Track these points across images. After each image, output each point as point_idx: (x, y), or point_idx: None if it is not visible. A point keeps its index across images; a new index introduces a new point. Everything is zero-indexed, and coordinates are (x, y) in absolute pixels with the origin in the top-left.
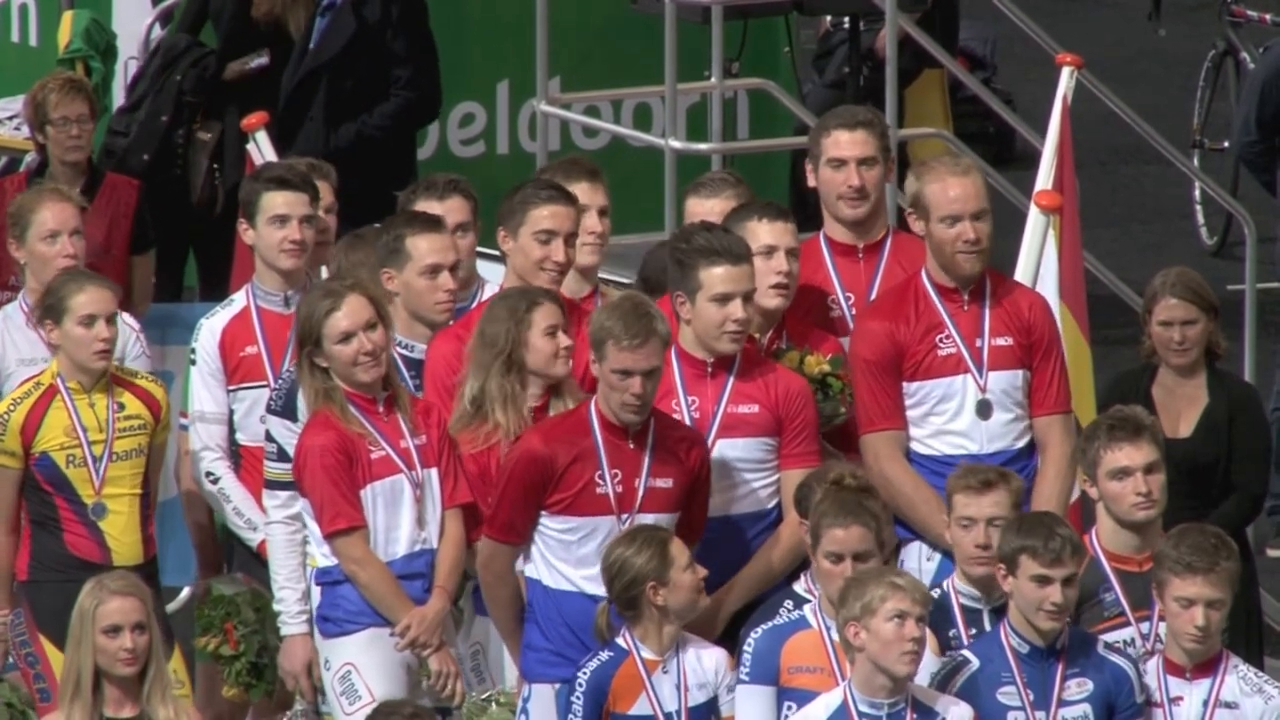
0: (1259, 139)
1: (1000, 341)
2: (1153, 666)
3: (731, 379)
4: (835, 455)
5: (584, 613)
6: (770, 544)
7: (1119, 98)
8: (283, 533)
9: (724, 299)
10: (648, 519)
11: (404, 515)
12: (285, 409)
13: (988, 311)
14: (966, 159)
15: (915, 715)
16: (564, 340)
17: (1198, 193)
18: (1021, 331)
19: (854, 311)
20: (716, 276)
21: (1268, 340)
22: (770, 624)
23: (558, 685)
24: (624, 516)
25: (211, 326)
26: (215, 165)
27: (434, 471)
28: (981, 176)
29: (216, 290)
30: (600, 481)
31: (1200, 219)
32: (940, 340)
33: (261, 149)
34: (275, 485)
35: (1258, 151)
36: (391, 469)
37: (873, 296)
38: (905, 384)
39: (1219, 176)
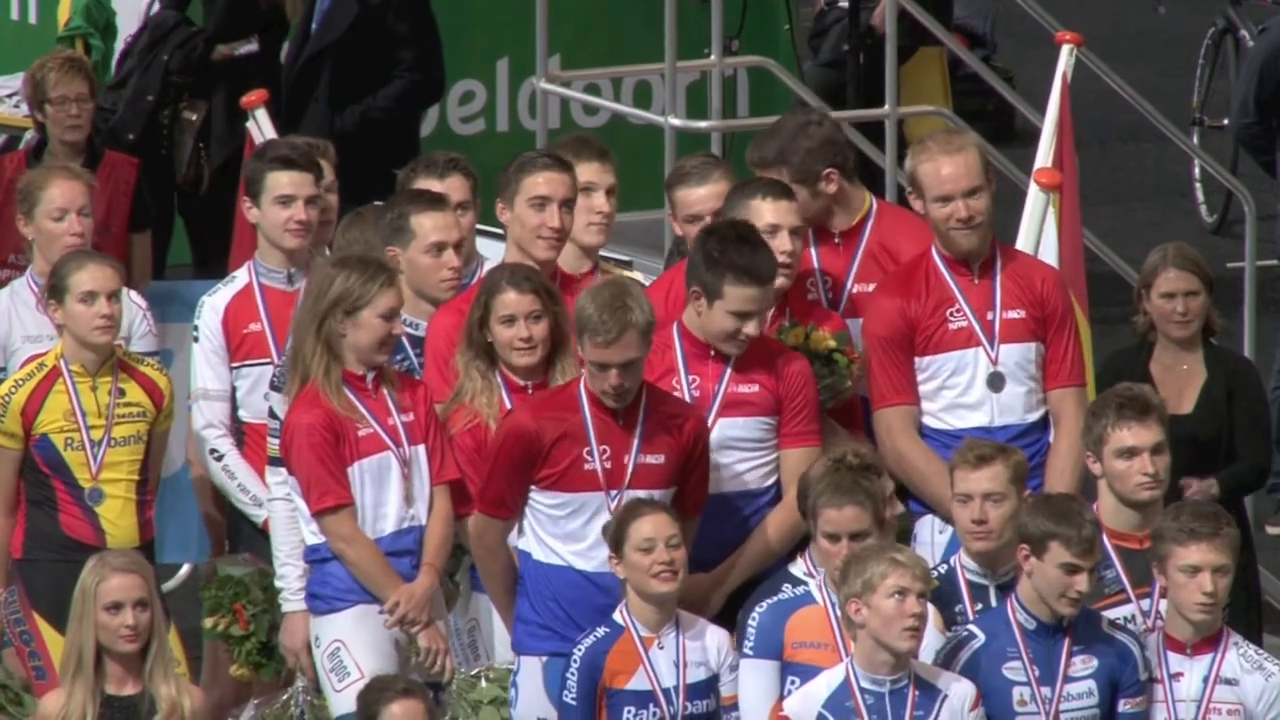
0: (1257, 119)
1: (1012, 314)
2: (1153, 642)
3: (733, 359)
4: (834, 431)
5: (573, 587)
6: (768, 522)
7: (1119, 75)
8: (284, 509)
9: (742, 316)
10: (639, 495)
11: (391, 492)
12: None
13: (999, 284)
14: (961, 136)
15: (918, 692)
16: (522, 330)
17: (1197, 170)
18: (1034, 305)
19: (830, 296)
20: (741, 296)
21: (1268, 318)
22: (774, 599)
23: (546, 658)
24: (613, 492)
25: (214, 304)
26: (201, 145)
27: (421, 449)
28: (977, 151)
29: (211, 268)
30: (588, 458)
31: (1200, 197)
32: (951, 314)
33: (261, 127)
34: (278, 462)
35: (1256, 132)
36: (379, 446)
37: (850, 279)
38: (917, 358)
39: (1219, 154)
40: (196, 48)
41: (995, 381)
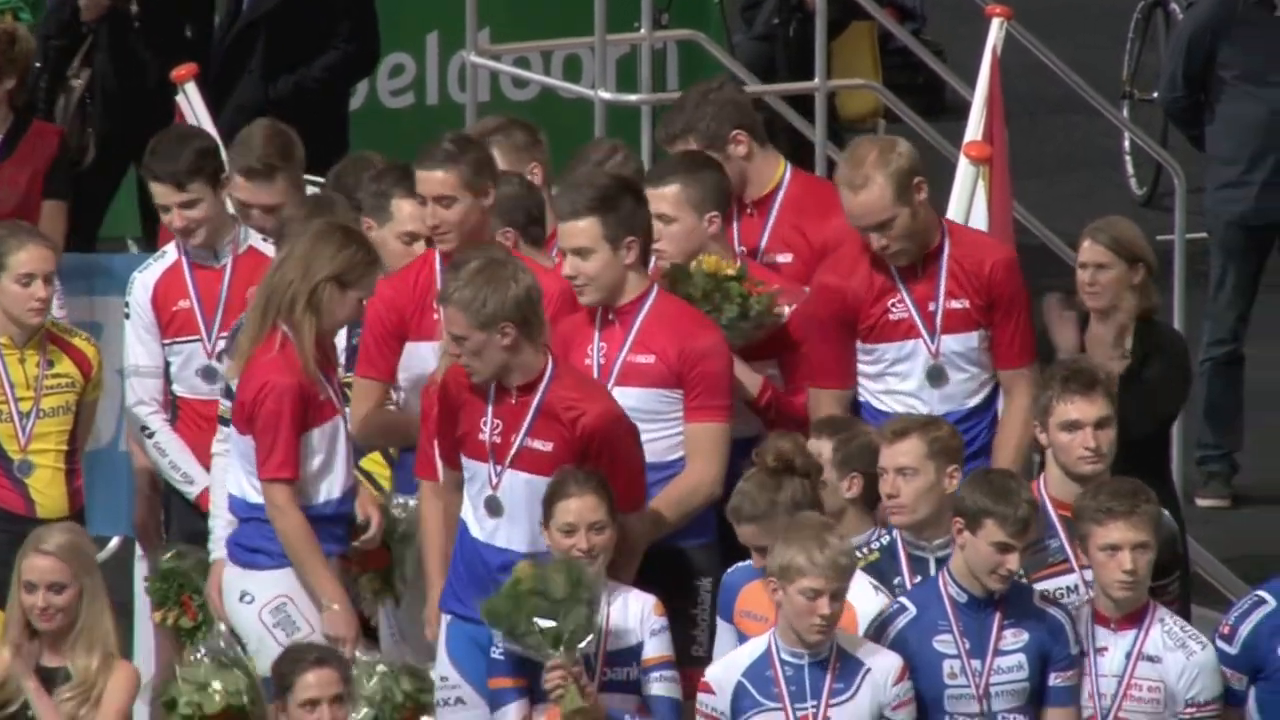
0: (1186, 93)
1: (955, 304)
2: (1085, 616)
3: (635, 329)
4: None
5: (468, 551)
6: (660, 495)
7: (1048, 48)
8: (223, 462)
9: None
10: (520, 476)
11: (339, 457)
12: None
13: (944, 274)
14: (868, 163)
15: (839, 665)
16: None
17: (1127, 143)
18: (979, 293)
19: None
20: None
21: (1197, 291)
22: (747, 563)
23: (450, 618)
24: (497, 467)
25: (144, 280)
26: (87, 113)
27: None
28: (885, 179)
29: (86, 242)
30: (483, 428)
31: (1130, 169)
32: (893, 304)
33: (191, 101)
34: (225, 422)
35: (1184, 106)
36: (333, 411)
37: (761, 248)
38: (861, 343)
39: (1148, 127)
40: (67, 5)
41: (935, 374)
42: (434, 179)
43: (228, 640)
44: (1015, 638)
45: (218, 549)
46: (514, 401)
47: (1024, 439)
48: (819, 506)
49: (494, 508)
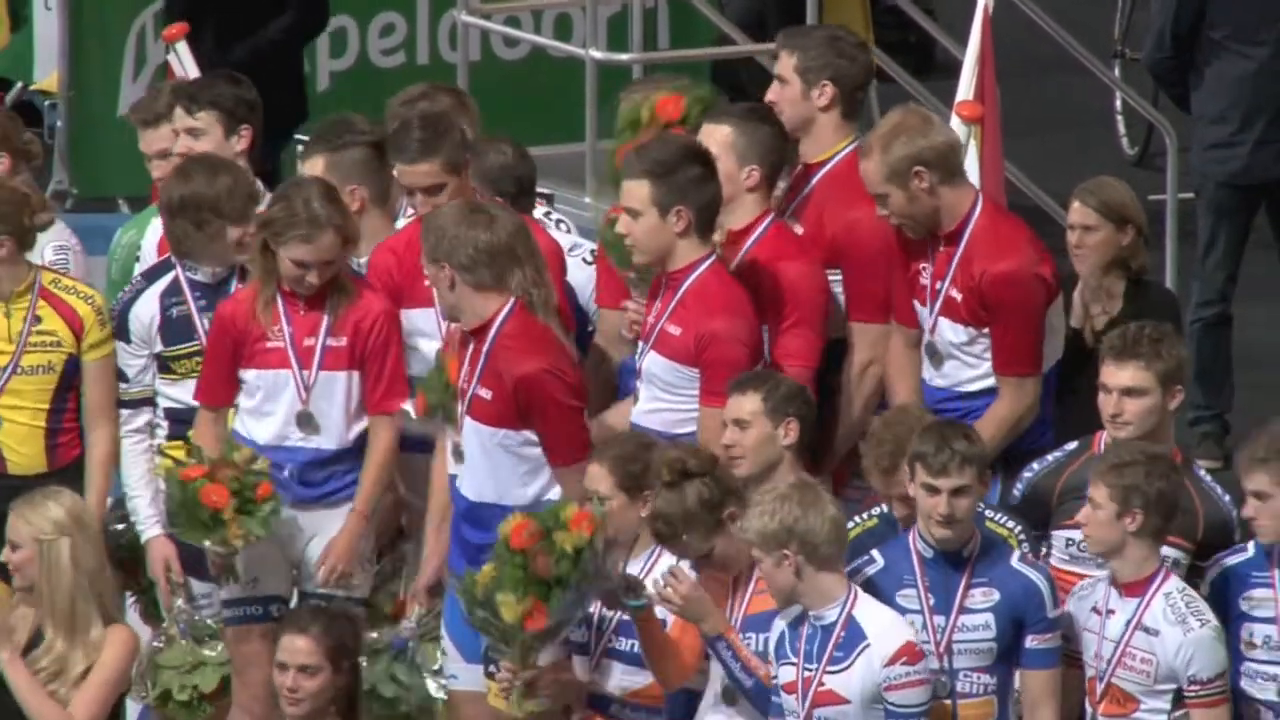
0: (1173, 53)
1: (954, 292)
2: (1107, 575)
3: (676, 298)
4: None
5: (453, 498)
6: None
7: (1040, 7)
8: (128, 443)
9: None
10: (472, 424)
11: (278, 408)
12: (119, 331)
13: (957, 259)
14: (875, 133)
15: (843, 634)
16: None
17: (1119, 103)
18: (973, 293)
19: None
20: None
21: (1189, 250)
22: None
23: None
24: (463, 414)
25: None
26: None
27: (343, 375)
28: (879, 156)
29: None
30: (461, 374)
31: (1121, 129)
32: (923, 268)
33: (182, 59)
34: (125, 404)
35: (1169, 66)
36: (281, 362)
37: (789, 210)
38: None
39: (1140, 87)
40: None
41: (930, 350)
42: (419, 172)
43: (188, 613)
44: (985, 597)
45: (148, 528)
46: (472, 348)
47: (992, 444)
48: (733, 492)
49: (457, 454)
